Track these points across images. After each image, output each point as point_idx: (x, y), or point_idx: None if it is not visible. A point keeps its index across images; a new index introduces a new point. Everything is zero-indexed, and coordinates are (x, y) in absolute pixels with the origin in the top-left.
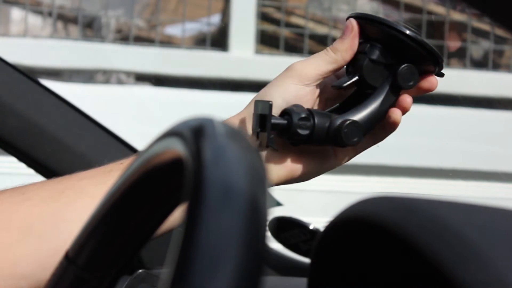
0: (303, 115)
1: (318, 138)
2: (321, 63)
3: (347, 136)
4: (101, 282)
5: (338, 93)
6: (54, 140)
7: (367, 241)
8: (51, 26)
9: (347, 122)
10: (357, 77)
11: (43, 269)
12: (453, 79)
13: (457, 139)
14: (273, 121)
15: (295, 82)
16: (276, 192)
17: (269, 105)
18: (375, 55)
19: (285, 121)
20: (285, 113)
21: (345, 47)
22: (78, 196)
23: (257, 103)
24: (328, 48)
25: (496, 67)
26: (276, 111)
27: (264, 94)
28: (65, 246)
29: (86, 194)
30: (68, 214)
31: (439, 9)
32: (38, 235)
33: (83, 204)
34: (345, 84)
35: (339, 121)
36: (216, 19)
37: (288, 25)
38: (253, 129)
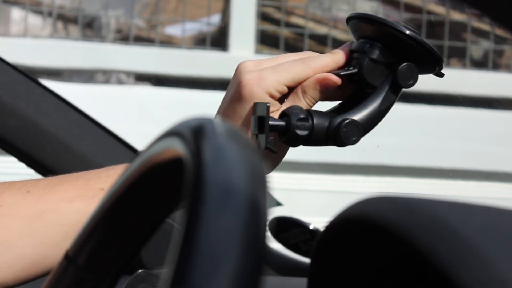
0: (301, 116)
1: (318, 139)
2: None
3: (346, 135)
4: (101, 282)
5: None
6: (54, 140)
7: (367, 241)
8: (51, 26)
9: (346, 121)
10: (356, 70)
11: (14, 280)
12: (453, 79)
13: (457, 139)
14: (271, 122)
15: None
16: (276, 192)
17: (266, 107)
18: (375, 54)
19: (283, 123)
20: (284, 114)
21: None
22: (57, 223)
23: (255, 105)
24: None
25: (496, 67)
26: None
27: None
28: (43, 262)
29: (65, 221)
30: (46, 237)
31: (439, 9)
32: (17, 252)
33: (63, 230)
34: (342, 73)
35: (338, 121)
36: (216, 19)
37: (288, 25)
38: (252, 131)
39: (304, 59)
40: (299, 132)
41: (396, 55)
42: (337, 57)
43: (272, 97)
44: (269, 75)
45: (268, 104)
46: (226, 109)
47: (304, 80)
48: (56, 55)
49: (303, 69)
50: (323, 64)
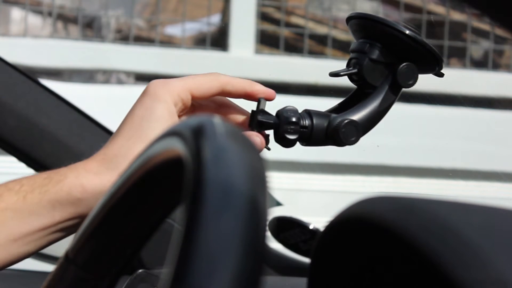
0: (292, 119)
1: (317, 139)
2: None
3: (345, 135)
4: (101, 282)
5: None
6: (54, 140)
7: (367, 241)
8: (51, 26)
9: (345, 121)
10: (356, 70)
11: None
12: (453, 79)
13: (457, 139)
14: (260, 118)
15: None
16: (276, 192)
17: (259, 100)
18: (375, 54)
19: (272, 121)
20: (278, 114)
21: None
22: None
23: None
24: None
25: (496, 67)
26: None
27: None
28: None
29: (5, 234)
30: None
31: (439, 9)
32: None
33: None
34: (342, 73)
35: (337, 121)
36: (216, 19)
37: (288, 25)
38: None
39: (212, 73)
40: (288, 136)
41: (396, 55)
42: (256, 86)
43: (175, 101)
44: (174, 81)
45: (262, 98)
46: (135, 111)
47: (214, 94)
48: (56, 55)
49: (209, 80)
50: (233, 79)
